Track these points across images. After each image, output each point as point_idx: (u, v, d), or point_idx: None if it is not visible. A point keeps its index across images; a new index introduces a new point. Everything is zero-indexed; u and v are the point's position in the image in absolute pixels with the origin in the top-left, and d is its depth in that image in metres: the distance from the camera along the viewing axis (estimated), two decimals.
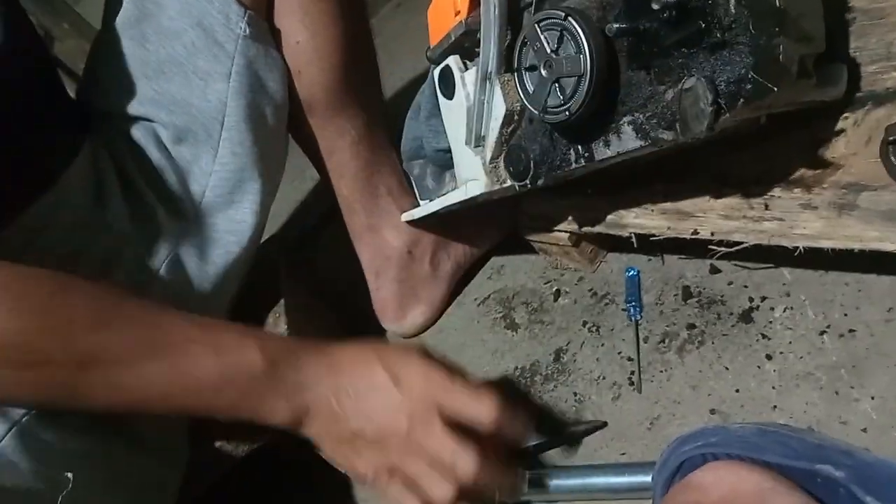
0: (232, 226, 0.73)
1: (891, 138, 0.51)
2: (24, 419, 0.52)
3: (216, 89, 0.69)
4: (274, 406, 0.52)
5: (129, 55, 0.68)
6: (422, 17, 0.64)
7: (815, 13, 0.49)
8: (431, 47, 0.67)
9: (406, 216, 0.82)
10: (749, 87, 0.42)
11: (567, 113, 0.50)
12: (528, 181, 0.58)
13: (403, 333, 0.89)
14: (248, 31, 0.69)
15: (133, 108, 0.70)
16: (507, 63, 0.58)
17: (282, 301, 0.81)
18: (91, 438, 0.57)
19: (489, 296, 0.86)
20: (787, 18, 0.44)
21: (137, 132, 0.71)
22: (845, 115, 0.57)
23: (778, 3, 0.43)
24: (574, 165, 0.56)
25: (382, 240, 0.86)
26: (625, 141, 0.51)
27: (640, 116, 0.49)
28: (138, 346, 0.50)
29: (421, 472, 0.51)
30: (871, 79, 0.57)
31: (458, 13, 0.61)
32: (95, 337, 0.49)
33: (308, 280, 1.00)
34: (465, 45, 0.62)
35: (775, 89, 0.42)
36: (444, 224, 0.85)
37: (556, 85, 0.50)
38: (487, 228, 0.88)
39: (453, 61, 0.63)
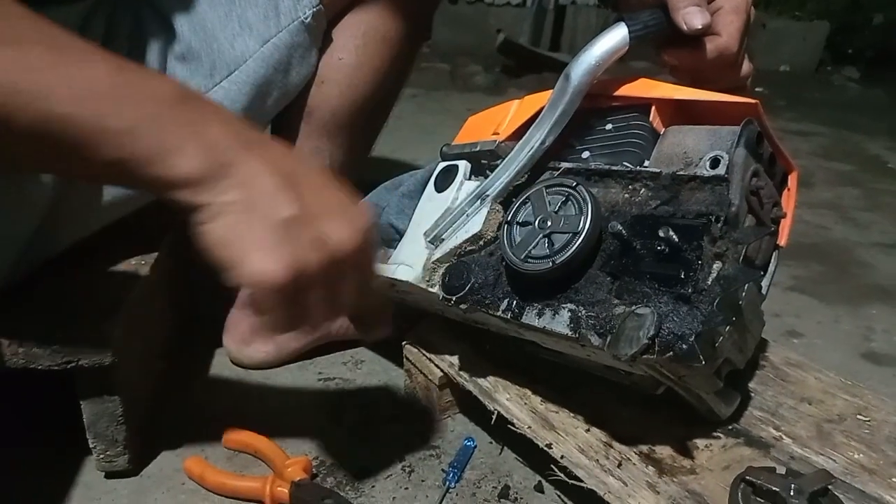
0: None
1: (747, 477, 0.54)
2: None
3: (246, 44, 0.68)
4: (183, 146, 0.42)
5: None
6: (426, 117, 0.67)
7: (755, 336, 0.55)
8: (451, 145, 0.70)
9: None
10: (684, 346, 0.45)
11: (551, 263, 0.51)
12: (454, 298, 0.58)
13: (234, 356, 0.82)
14: (309, 20, 0.70)
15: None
16: (505, 198, 0.60)
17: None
18: None
19: (334, 380, 0.82)
20: (740, 318, 0.48)
21: (154, 24, 0.68)
22: (719, 435, 0.61)
23: (741, 302, 0.48)
24: (499, 313, 0.57)
25: None
26: (556, 322, 0.53)
27: (582, 310, 0.51)
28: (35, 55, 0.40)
29: (349, 288, 0.46)
30: (753, 422, 0.63)
31: (496, 133, 0.64)
32: None
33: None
34: (483, 160, 0.64)
35: (702, 363, 0.45)
36: None
37: (546, 239, 0.53)
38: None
39: (463, 165, 0.65)
